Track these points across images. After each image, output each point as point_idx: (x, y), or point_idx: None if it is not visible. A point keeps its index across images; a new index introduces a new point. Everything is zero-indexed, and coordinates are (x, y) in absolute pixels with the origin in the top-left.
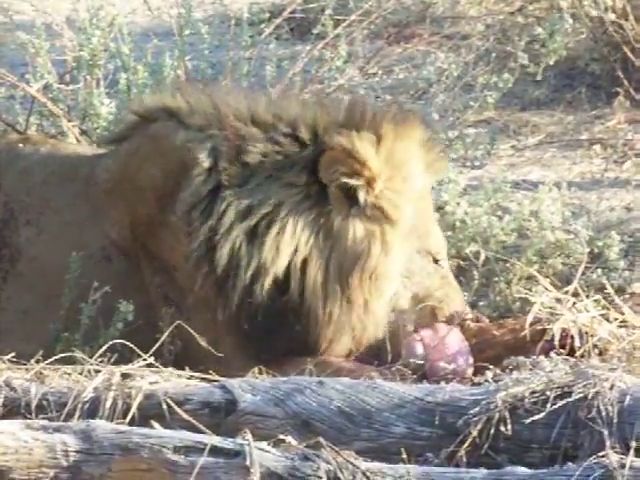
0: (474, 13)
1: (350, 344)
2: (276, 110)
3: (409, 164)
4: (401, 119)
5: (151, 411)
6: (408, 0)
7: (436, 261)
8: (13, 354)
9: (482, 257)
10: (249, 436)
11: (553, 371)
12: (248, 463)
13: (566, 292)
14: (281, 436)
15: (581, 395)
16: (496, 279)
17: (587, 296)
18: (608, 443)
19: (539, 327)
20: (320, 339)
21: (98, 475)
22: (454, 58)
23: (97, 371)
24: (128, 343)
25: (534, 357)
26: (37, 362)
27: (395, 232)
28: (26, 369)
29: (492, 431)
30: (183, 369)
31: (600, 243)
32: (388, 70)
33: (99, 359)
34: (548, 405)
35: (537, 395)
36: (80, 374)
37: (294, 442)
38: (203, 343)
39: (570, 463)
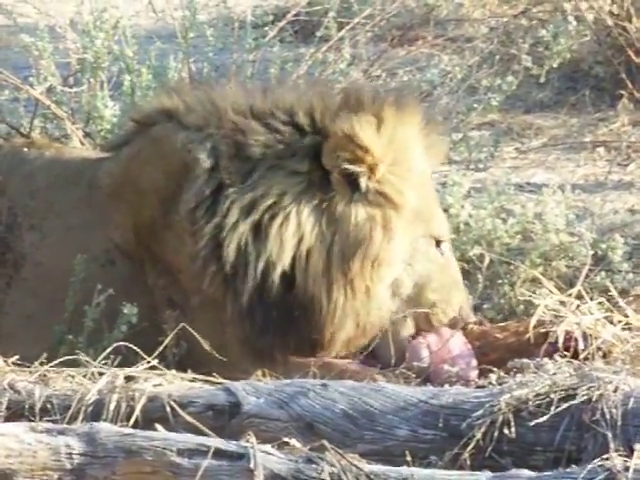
0: (478, 16)
1: (354, 330)
2: (273, 99)
3: (411, 148)
4: (401, 103)
5: (155, 414)
6: (412, 3)
7: (439, 243)
8: (17, 357)
9: (486, 260)
10: (253, 439)
11: (557, 374)
12: (252, 466)
13: (570, 295)
14: (285, 439)
15: (585, 398)
16: (500, 282)
17: (591, 299)
18: (612, 446)
19: (543, 330)
20: (325, 329)
21: (102, 478)
22: (458, 61)
23: (101, 374)
24: (132, 346)
25: (538, 360)
26: (41, 365)
27: (398, 217)
28: (30, 372)
29: (496, 434)
30: (187, 371)
31: (604, 245)
32: (392, 73)
33: (103, 362)
34: (552, 408)
35: (541, 398)
36: (84, 377)
37: (298, 445)
38: (207, 347)
39: (574, 466)
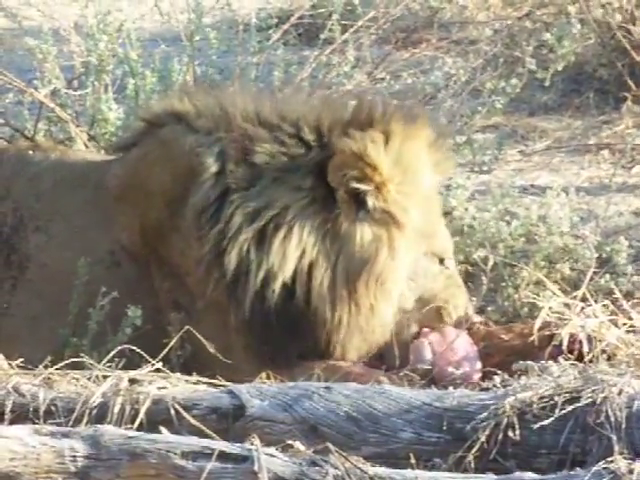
0: (482, 18)
1: (362, 347)
2: (281, 110)
3: (418, 165)
4: (410, 118)
5: (159, 416)
6: (416, 5)
7: (442, 261)
8: (21, 359)
9: (490, 262)
10: (257, 441)
11: (561, 376)
12: (256, 468)
13: (574, 297)
14: (289, 441)
15: (589, 400)
16: (504, 284)
17: (595, 301)
18: (616, 448)
19: (547, 332)
20: (331, 344)
21: None
22: (462, 63)
23: (105, 376)
24: (136, 348)
25: (542, 362)
26: (45, 367)
27: (402, 235)
28: (34, 374)
29: (500, 436)
30: (192, 374)
31: (608, 248)
32: (396, 75)
33: (107, 364)
34: (556, 410)
35: (545, 400)
36: (88, 379)
37: (302, 447)
38: (212, 350)
39: (578, 468)
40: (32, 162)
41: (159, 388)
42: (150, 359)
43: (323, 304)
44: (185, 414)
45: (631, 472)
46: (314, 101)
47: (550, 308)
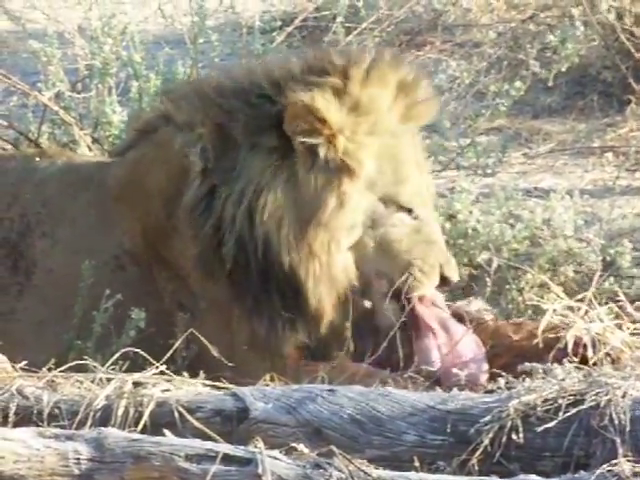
0: (486, 21)
1: (331, 294)
2: (251, 74)
3: (377, 112)
4: (376, 62)
5: (163, 419)
6: (420, 8)
7: (410, 211)
8: (25, 362)
9: (494, 265)
10: (261, 444)
11: (565, 379)
12: (260, 471)
13: (578, 300)
14: (293, 444)
15: (593, 403)
16: (508, 287)
17: (599, 304)
18: (621, 451)
19: (552, 335)
20: (308, 298)
21: None
22: (466, 66)
23: (109, 379)
24: (140, 351)
25: (547, 365)
26: (49, 370)
27: (353, 184)
28: (38, 377)
29: (504, 439)
30: (197, 375)
31: (612, 251)
32: None
33: (111, 367)
34: (560, 413)
35: (549, 403)
36: (92, 382)
37: (306, 450)
38: (215, 352)
39: (582, 471)
40: (38, 168)
41: (163, 391)
42: (154, 362)
43: (287, 255)
44: (189, 417)
45: (635, 475)
46: (276, 58)
47: (554, 311)
